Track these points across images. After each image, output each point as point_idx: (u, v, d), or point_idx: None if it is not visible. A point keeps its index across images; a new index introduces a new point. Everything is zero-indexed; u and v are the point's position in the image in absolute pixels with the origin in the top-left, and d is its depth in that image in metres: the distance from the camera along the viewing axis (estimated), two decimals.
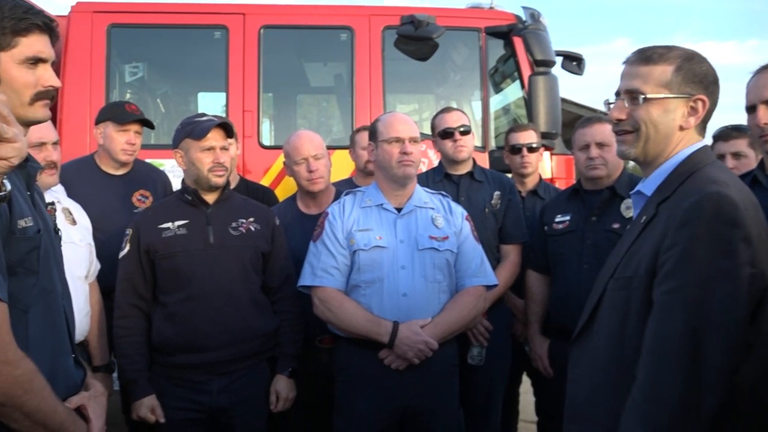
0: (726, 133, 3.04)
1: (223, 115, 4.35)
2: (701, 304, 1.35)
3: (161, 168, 3.59)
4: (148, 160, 3.54)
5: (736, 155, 2.98)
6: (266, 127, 5.16)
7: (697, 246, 1.38)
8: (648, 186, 1.62)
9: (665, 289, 1.40)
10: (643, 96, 1.57)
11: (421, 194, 2.61)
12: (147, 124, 3.25)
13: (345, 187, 3.09)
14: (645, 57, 1.59)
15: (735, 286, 1.35)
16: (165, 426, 2.43)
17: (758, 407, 1.39)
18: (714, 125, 3.13)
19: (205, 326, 2.42)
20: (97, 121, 3.17)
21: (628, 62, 1.63)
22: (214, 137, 2.47)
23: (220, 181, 2.50)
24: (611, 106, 1.68)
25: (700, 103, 1.58)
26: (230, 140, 2.58)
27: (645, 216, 1.56)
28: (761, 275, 1.38)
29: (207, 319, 2.43)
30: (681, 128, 1.59)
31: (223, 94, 4.49)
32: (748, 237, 1.38)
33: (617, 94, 1.64)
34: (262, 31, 4.45)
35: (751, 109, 2.17)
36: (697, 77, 1.57)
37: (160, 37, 4.68)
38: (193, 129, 2.47)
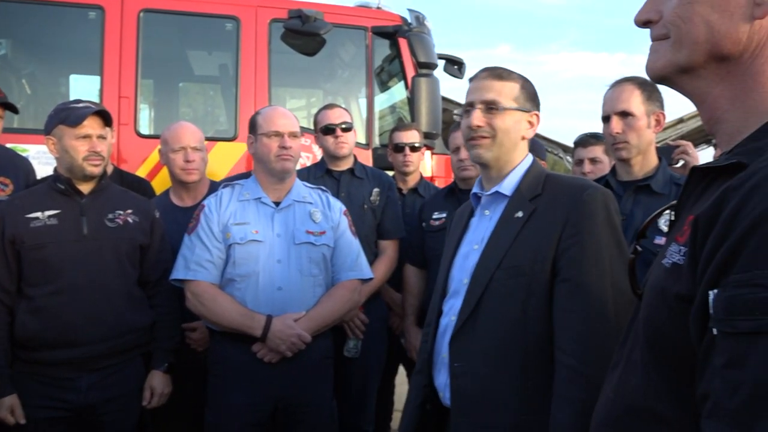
0: (585, 140, 3.30)
1: (97, 100, 4.13)
2: (612, 276, 1.55)
3: (25, 154, 3.36)
4: (9, 146, 3.30)
5: (593, 160, 3.25)
6: (145, 114, 4.95)
7: (599, 230, 1.60)
8: (507, 187, 1.77)
9: (579, 271, 1.57)
10: (501, 107, 1.74)
11: (300, 189, 2.63)
12: (10, 108, 3.03)
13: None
14: (497, 74, 1.78)
15: (627, 260, 1.57)
16: (25, 426, 2.31)
17: None
18: (582, 130, 3.41)
19: (76, 320, 2.34)
20: None
21: (480, 78, 1.79)
22: (91, 125, 2.40)
23: (96, 170, 2.44)
24: (461, 117, 1.84)
25: (535, 118, 1.80)
26: (107, 128, 2.50)
27: (521, 212, 1.70)
28: None
29: (78, 313, 2.34)
30: (523, 138, 1.79)
31: (98, 78, 4.27)
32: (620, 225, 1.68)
33: (470, 105, 1.78)
34: (141, 14, 4.27)
35: (606, 119, 2.39)
36: (533, 96, 1.80)
37: (27, 12, 4.35)
38: (68, 115, 2.38)
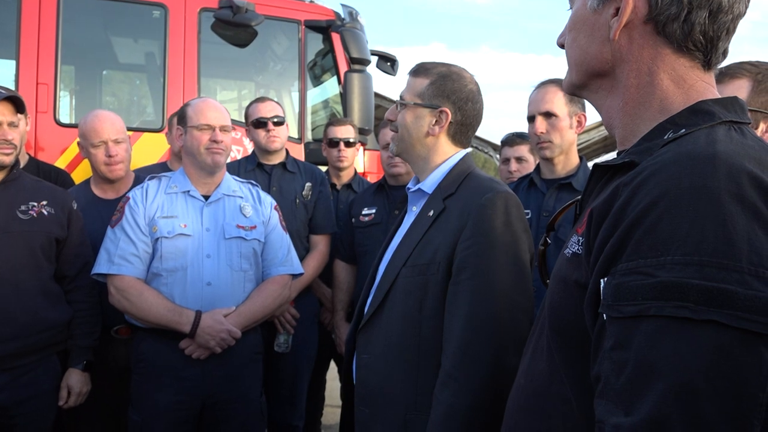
0: (511, 140, 3.40)
1: (13, 86, 3.92)
2: (502, 283, 1.55)
3: None
4: None
5: (519, 159, 3.36)
6: (66, 102, 4.73)
7: (494, 235, 1.58)
8: (428, 185, 1.77)
9: (469, 275, 1.56)
10: (403, 102, 1.76)
11: (230, 182, 2.59)
12: None
13: (158, 171, 2.97)
14: (415, 70, 1.79)
15: (525, 267, 1.61)
16: None
17: None
18: (512, 129, 3.51)
19: None
20: None
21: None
22: (1, 111, 2.29)
23: (7, 159, 2.33)
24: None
25: (443, 115, 1.73)
26: (19, 115, 2.39)
27: (433, 210, 1.70)
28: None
29: None
30: (428, 134, 1.75)
31: (14, 62, 4.04)
32: (527, 228, 1.67)
33: None
34: None
35: (531, 119, 2.46)
36: (446, 92, 1.72)
37: None
38: None
